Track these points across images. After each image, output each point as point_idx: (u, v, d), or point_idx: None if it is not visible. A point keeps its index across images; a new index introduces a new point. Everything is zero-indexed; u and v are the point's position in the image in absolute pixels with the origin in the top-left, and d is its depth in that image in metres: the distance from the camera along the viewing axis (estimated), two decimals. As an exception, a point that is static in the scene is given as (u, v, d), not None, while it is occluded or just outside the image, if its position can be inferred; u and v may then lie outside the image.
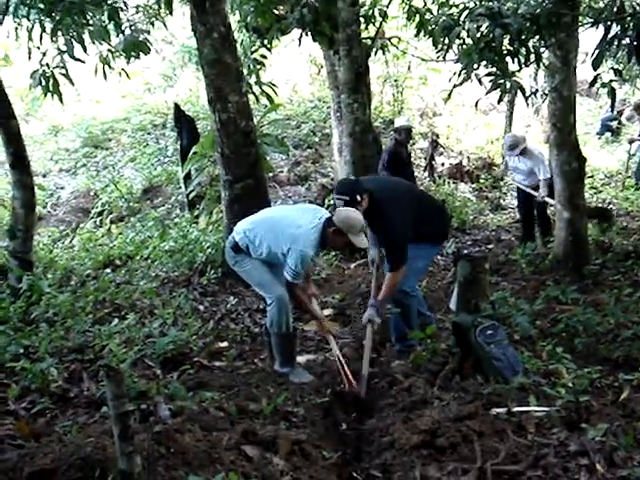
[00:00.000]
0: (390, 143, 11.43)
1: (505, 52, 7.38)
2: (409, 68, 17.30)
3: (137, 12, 11.20)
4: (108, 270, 8.95)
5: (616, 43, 6.83)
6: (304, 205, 6.73)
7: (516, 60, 7.48)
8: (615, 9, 6.77)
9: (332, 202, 6.42)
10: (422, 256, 6.40)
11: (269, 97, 11.97)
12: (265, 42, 11.87)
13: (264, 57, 12.26)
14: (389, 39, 13.07)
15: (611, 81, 7.23)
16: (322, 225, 5.71)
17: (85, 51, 8.86)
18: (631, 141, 15.22)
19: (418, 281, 6.86)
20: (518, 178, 10.45)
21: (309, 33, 11.24)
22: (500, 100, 8.10)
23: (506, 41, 7.30)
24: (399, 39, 13.64)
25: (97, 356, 6.04)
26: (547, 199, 9.73)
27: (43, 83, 8.49)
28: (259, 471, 3.68)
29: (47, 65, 8.47)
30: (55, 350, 6.08)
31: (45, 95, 8.71)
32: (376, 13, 11.87)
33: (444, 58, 8.51)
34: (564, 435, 3.83)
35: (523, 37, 7.27)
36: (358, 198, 6.00)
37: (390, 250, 6.20)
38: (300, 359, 6.26)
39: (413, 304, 6.48)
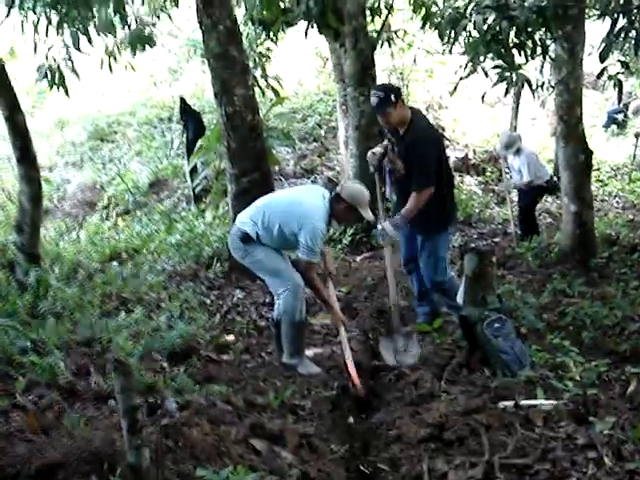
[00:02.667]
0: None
1: (512, 45, 7.37)
2: (415, 61, 17.19)
3: (143, 5, 11.20)
4: (115, 263, 8.95)
5: (623, 35, 6.83)
6: (306, 185, 6.70)
7: (522, 53, 7.48)
8: (622, 1, 6.75)
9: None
10: (442, 244, 6.42)
11: (275, 90, 12.00)
12: (271, 35, 11.87)
13: (270, 50, 12.29)
14: (395, 32, 13.06)
15: (618, 74, 7.23)
16: (329, 201, 5.69)
17: (91, 44, 8.88)
18: (637, 135, 15.19)
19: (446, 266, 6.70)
20: (513, 177, 10.55)
21: (315, 26, 11.22)
22: (506, 93, 8.10)
23: (512, 33, 7.29)
24: (405, 32, 13.65)
25: (105, 349, 6.03)
26: (507, 196, 10.14)
27: (49, 76, 8.53)
28: (267, 464, 3.69)
29: (53, 58, 8.51)
30: (63, 343, 6.06)
31: (51, 88, 8.75)
32: (382, 5, 11.87)
33: (450, 51, 8.52)
34: (572, 428, 3.83)
35: (530, 29, 7.26)
36: (392, 98, 6.00)
37: (418, 170, 6.14)
38: (307, 352, 6.24)
39: (451, 285, 6.42)
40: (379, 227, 6.35)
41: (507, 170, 11.20)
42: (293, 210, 5.65)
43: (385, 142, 6.55)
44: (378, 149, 6.48)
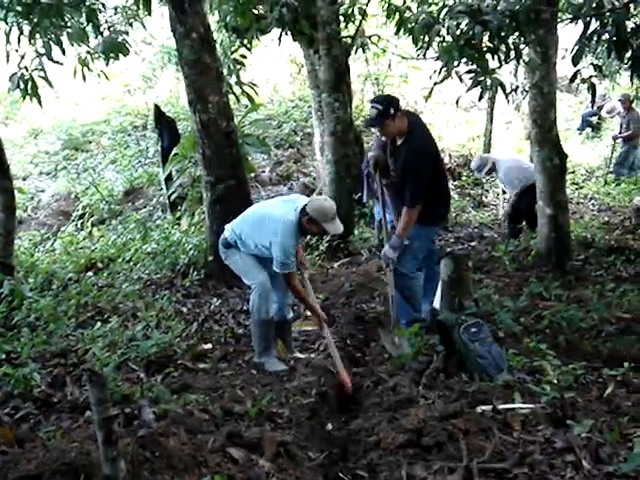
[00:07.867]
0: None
1: (485, 49, 7.39)
2: (389, 66, 17.29)
3: (115, 13, 11.15)
4: (90, 273, 8.89)
5: (595, 39, 6.85)
6: (287, 197, 6.78)
7: (496, 57, 7.50)
8: (594, 5, 6.78)
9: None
10: (420, 236, 6.43)
11: (250, 97, 11.95)
12: (245, 42, 11.88)
13: (244, 57, 12.24)
14: (369, 37, 13.08)
15: (591, 77, 7.26)
16: (297, 215, 5.79)
17: (64, 53, 8.82)
18: (615, 138, 15.30)
19: (417, 263, 6.75)
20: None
21: (289, 32, 11.24)
22: (481, 97, 8.09)
23: (486, 38, 7.31)
24: (379, 37, 13.67)
25: (80, 360, 5.99)
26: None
27: (22, 86, 8.44)
28: (245, 473, 3.66)
29: (25, 68, 8.42)
30: (38, 355, 6.03)
31: (24, 98, 8.66)
32: (355, 11, 11.90)
33: (424, 56, 8.51)
34: (550, 432, 3.83)
35: (503, 34, 7.27)
36: (391, 111, 6.07)
37: (412, 184, 6.20)
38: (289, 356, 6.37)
39: (414, 286, 6.54)
40: (382, 252, 6.45)
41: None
42: (263, 226, 5.89)
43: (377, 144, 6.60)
44: (374, 153, 6.50)
